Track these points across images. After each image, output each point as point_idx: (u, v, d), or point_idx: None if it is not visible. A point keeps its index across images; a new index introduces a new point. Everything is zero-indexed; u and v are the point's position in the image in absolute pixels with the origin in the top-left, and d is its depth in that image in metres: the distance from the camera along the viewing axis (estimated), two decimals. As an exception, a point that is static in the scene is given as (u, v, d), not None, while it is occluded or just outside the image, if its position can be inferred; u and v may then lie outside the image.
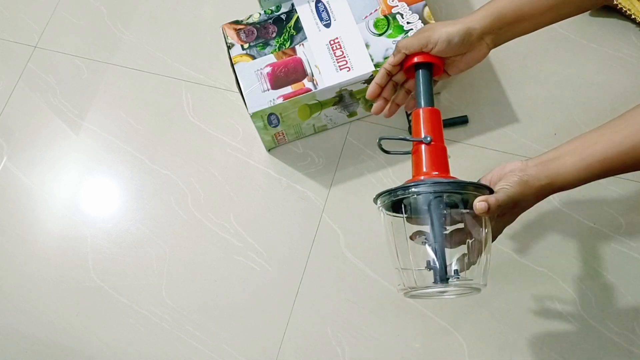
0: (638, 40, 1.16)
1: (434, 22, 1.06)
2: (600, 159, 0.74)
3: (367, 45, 1.06)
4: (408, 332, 1.02)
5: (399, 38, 1.05)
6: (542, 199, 0.79)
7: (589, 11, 1.18)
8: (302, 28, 1.09)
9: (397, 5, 1.08)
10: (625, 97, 1.13)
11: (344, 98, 1.09)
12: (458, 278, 0.79)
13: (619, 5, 1.13)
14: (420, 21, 1.06)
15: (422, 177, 0.80)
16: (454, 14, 1.22)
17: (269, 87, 1.05)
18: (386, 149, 0.83)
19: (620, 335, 0.99)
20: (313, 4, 1.11)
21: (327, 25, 1.09)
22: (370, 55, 1.05)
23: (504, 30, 0.82)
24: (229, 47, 1.09)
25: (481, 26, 0.82)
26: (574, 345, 0.99)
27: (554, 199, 1.07)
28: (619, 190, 1.07)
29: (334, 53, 1.06)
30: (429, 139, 0.81)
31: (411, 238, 0.80)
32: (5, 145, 1.25)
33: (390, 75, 0.87)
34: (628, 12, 1.13)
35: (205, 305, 1.09)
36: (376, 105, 0.89)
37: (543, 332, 1.00)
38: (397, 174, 1.12)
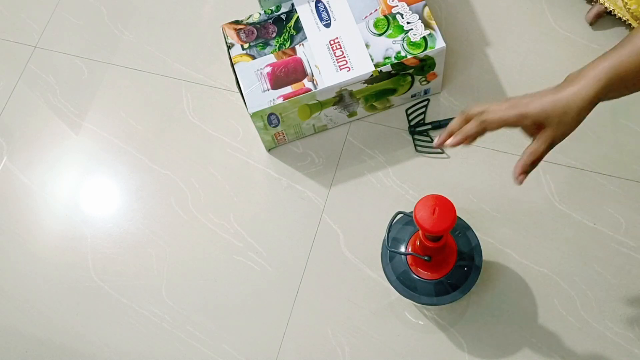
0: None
1: (434, 23, 1.06)
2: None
3: (367, 45, 1.06)
4: (408, 332, 1.02)
5: (399, 38, 1.05)
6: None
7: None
8: (302, 28, 1.09)
9: (397, 5, 1.08)
10: (626, 97, 1.13)
11: (344, 98, 1.09)
12: None
13: (608, 9, 1.13)
14: (420, 21, 1.06)
15: None
16: (454, 14, 1.23)
17: (269, 87, 1.05)
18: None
19: (620, 335, 0.99)
20: (313, 4, 1.11)
21: (327, 25, 1.09)
22: (370, 55, 1.05)
23: (615, 93, 0.71)
24: (229, 47, 1.09)
25: (587, 95, 0.71)
26: (574, 345, 0.99)
27: (554, 199, 1.07)
28: (619, 190, 1.07)
29: (334, 53, 1.06)
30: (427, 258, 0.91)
31: None
32: (5, 145, 1.25)
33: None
34: (613, 12, 1.13)
35: (205, 305, 1.09)
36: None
37: (543, 332, 1.00)
38: (398, 173, 1.12)
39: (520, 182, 0.71)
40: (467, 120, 0.73)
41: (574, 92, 0.70)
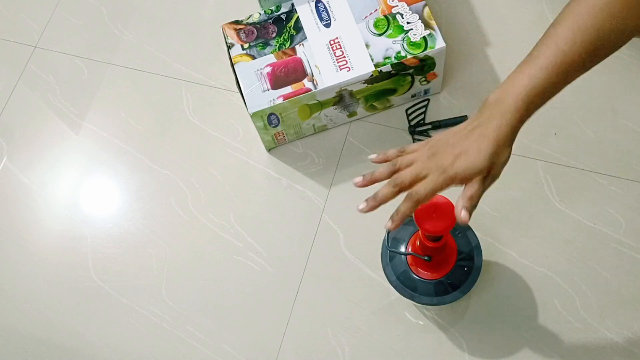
0: (638, 40, 1.16)
1: (434, 23, 1.06)
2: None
3: (367, 45, 1.06)
4: (408, 332, 1.02)
5: (399, 38, 1.05)
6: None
7: None
8: (302, 28, 1.09)
9: (397, 5, 1.08)
10: (625, 97, 1.13)
11: (344, 98, 1.09)
12: None
13: None
14: (420, 21, 1.06)
15: None
16: (454, 14, 1.23)
17: (269, 87, 1.05)
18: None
19: (620, 335, 0.99)
20: (313, 4, 1.11)
21: (327, 25, 1.09)
22: (370, 55, 1.05)
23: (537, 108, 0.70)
24: (229, 47, 1.09)
25: (511, 130, 0.68)
26: (574, 345, 0.99)
27: (554, 199, 1.07)
28: (619, 190, 1.07)
29: (334, 53, 1.06)
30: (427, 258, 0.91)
31: None
32: (5, 145, 1.25)
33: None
34: None
35: (205, 305, 1.09)
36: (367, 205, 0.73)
37: (543, 332, 1.00)
38: (397, 174, 1.12)
39: (465, 222, 0.69)
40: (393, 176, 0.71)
41: (497, 135, 0.68)
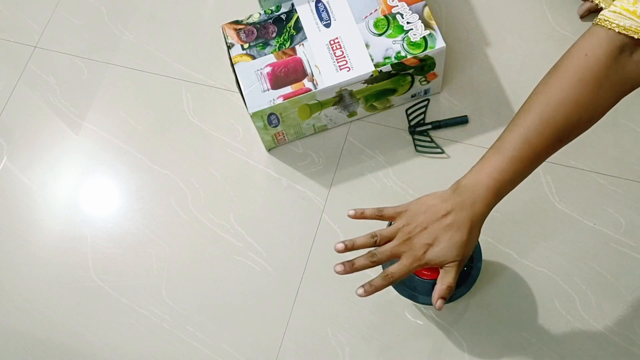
0: (638, 40, 1.16)
1: (434, 23, 1.06)
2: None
3: (367, 45, 1.06)
4: (408, 332, 1.02)
5: (399, 38, 1.05)
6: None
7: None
8: (302, 28, 1.09)
9: (397, 5, 1.08)
10: (625, 97, 1.13)
11: (344, 98, 1.09)
12: None
13: (599, 6, 1.13)
14: (420, 21, 1.06)
15: None
16: (454, 14, 1.23)
17: (269, 87, 1.05)
18: None
19: (620, 335, 0.99)
20: (313, 4, 1.11)
21: (327, 25, 1.09)
22: (370, 55, 1.05)
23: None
24: (229, 47, 1.09)
25: (480, 219, 0.76)
26: (574, 345, 0.99)
27: (554, 199, 1.07)
28: (619, 190, 1.07)
29: (334, 53, 1.06)
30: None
31: None
32: (5, 145, 1.25)
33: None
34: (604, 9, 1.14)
35: (205, 305, 1.09)
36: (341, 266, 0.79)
37: (543, 332, 1.00)
38: (398, 173, 1.12)
39: (440, 308, 0.78)
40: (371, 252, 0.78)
41: (469, 226, 0.75)
